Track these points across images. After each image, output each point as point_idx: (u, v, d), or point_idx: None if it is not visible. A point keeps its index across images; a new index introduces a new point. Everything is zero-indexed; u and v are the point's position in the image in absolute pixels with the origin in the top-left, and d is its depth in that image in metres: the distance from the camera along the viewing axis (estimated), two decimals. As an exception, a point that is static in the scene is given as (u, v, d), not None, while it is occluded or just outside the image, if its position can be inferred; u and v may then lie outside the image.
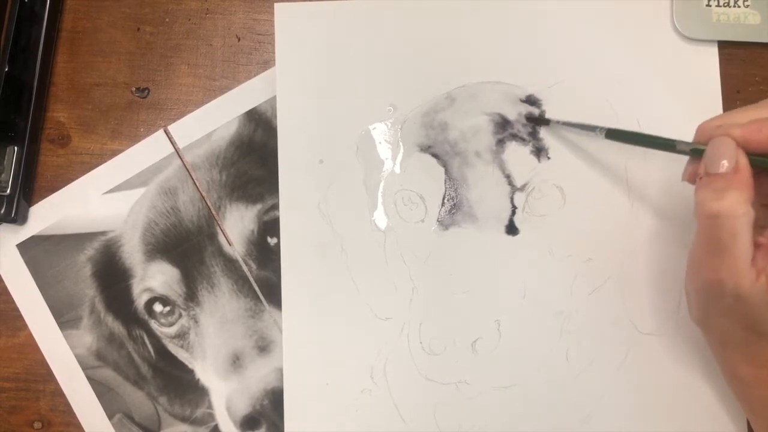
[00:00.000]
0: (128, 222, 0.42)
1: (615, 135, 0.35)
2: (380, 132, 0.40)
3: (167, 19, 0.43)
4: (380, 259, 0.40)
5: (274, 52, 0.41)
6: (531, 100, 0.40)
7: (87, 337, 0.41)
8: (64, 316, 0.41)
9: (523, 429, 0.39)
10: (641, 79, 0.40)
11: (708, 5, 0.40)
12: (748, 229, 0.29)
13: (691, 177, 0.32)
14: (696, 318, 0.34)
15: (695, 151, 0.31)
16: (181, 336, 0.41)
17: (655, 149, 0.34)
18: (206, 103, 0.42)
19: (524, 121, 0.40)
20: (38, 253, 0.42)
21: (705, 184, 0.30)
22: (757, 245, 0.30)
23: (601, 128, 0.36)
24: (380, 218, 0.40)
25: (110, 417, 0.41)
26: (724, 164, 0.30)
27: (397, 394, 0.39)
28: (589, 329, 0.39)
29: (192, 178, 0.42)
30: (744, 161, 0.30)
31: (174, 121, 0.42)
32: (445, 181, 0.40)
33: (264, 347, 0.40)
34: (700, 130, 0.32)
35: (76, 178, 0.42)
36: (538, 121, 0.40)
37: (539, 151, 0.40)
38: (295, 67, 0.41)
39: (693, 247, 0.32)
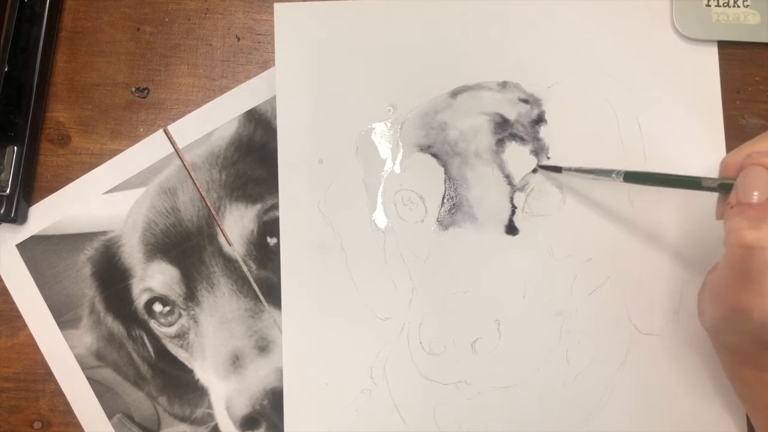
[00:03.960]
0: (128, 222, 0.42)
1: (634, 177, 0.34)
2: (380, 132, 0.40)
3: (167, 19, 0.43)
4: (380, 259, 0.40)
5: (273, 52, 0.41)
6: (531, 100, 0.40)
7: (87, 337, 0.41)
8: (64, 316, 0.41)
9: (523, 429, 0.39)
10: (641, 79, 0.40)
11: (708, 5, 0.40)
12: None
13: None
14: (707, 327, 0.33)
15: (723, 186, 0.30)
16: (181, 336, 0.41)
17: (679, 188, 0.32)
18: (206, 103, 0.42)
19: (524, 121, 0.40)
20: (38, 253, 0.42)
21: (738, 212, 0.29)
22: None
23: (618, 172, 0.34)
24: (380, 218, 0.40)
25: (110, 417, 0.41)
26: (758, 194, 0.29)
27: (397, 394, 0.39)
28: (589, 329, 0.39)
29: (192, 178, 0.42)
30: None
31: (174, 121, 0.42)
32: (445, 181, 0.40)
33: (264, 347, 0.40)
34: (726, 164, 0.31)
35: (76, 178, 0.42)
36: (549, 168, 0.39)
37: (539, 151, 0.40)
38: (294, 67, 0.41)
39: (719, 272, 0.31)
